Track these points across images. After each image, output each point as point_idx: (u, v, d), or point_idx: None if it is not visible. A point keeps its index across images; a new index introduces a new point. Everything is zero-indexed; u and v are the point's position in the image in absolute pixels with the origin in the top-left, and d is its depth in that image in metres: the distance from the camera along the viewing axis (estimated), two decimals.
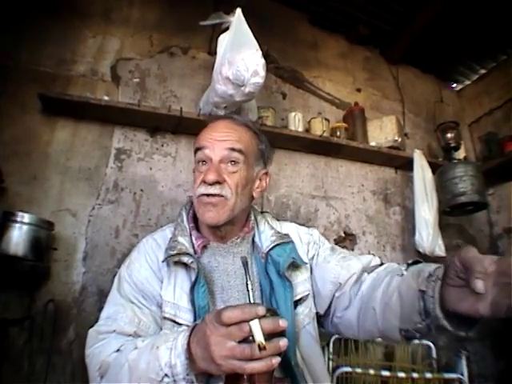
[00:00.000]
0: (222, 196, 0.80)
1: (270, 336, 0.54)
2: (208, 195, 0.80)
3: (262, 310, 0.54)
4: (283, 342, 0.54)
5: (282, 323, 0.55)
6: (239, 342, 0.54)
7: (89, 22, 1.92)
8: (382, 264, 0.87)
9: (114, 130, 1.81)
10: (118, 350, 0.70)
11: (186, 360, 0.58)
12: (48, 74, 1.76)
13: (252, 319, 0.53)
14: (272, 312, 0.58)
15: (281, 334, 0.56)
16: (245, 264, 0.66)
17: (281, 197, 2.06)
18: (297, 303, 0.83)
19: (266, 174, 0.93)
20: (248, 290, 0.62)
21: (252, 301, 0.62)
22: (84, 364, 0.76)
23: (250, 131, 0.89)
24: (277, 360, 0.54)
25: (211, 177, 0.79)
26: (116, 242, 1.66)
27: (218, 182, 0.80)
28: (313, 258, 0.92)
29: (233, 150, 0.82)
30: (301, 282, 0.86)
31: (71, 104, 1.64)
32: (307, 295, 0.86)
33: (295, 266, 0.85)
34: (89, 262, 1.60)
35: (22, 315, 1.42)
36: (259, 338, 0.52)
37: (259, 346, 0.52)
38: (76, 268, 1.58)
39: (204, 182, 0.81)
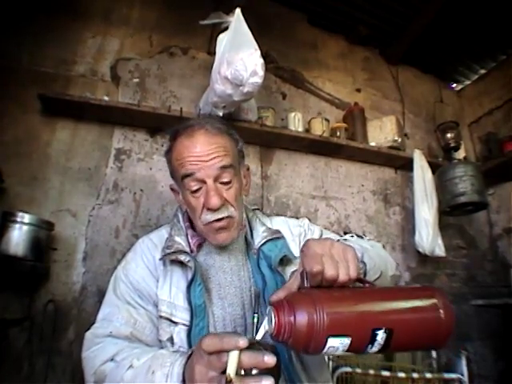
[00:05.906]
0: (229, 217, 0.80)
1: (260, 371, 0.51)
2: (217, 220, 0.79)
3: (243, 342, 0.50)
4: (266, 382, 0.50)
5: (268, 359, 0.50)
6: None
7: (89, 23, 1.92)
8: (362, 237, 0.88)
9: (114, 130, 1.81)
10: (112, 359, 0.70)
11: None
12: (48, 74, 1.76)
13: (232, 349, 0.50)
14: (264, 347, 0.53)
15: (274, 370, 0.52)
16: (257, 296, 0.66)
17: (281, 197, 2.06)
18: None
19: (248, 169, 0.94)
20: (253, 323, 0.63)
21: (255, 332, 0.59)
22: None
23: (226, 135, 0.85)
24: None
25: (216, 202, 0.77)
26: (116, 242, 1.67)
27: (222, 205, 0.79)
28: None
29: (224, 167, 0.79)
30: None
31: (71, 104, 1.64)
32: None
33: (288, 260, 0.85)
34: (89, 262, 1.60)
35: (21, 315, 1.42)
36: (229, 370, 0.49)
37: (226, 378, 0.48)
38: (76, 268, 1.58)
39: (208, 209, 0.79)
